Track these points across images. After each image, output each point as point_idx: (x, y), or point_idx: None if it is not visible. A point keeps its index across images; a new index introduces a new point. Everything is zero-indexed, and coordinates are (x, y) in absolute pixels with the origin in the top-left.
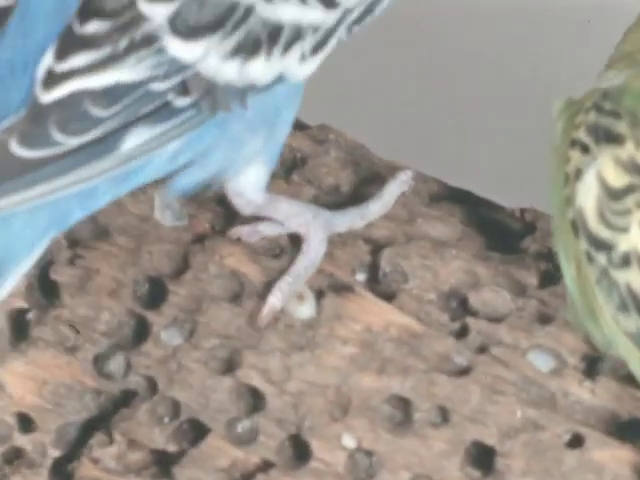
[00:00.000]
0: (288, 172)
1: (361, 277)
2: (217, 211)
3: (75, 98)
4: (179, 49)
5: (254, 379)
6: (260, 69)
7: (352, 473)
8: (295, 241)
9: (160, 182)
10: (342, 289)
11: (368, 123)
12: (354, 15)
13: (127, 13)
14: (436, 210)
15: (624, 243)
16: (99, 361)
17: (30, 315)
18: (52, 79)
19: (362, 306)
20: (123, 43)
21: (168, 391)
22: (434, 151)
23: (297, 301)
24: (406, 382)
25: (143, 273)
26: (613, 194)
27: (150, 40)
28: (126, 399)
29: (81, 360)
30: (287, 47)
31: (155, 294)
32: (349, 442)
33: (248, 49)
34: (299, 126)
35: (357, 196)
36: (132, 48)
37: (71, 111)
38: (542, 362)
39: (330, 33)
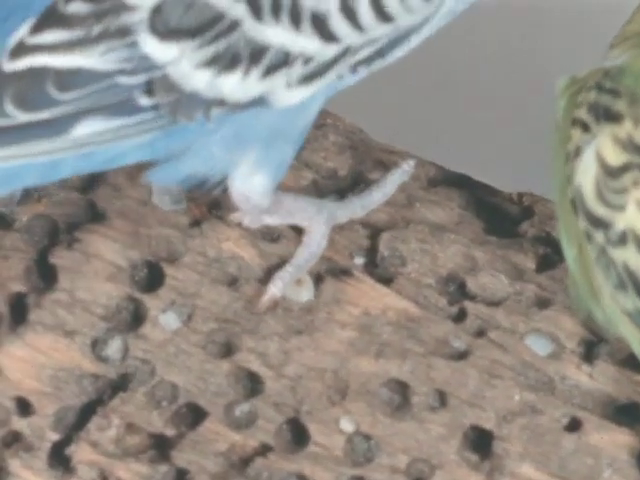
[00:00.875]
0: None
1: (359, 261)
2: (215, 195)
3: (36, 73)
4: (153, 47)
5: (252, 363)
6: (233, 86)
7: (350, 457)
8: (294, 226)
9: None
10: (340, 273)
11: (366, 107)
12: (361, 55)
13: (111, 0)
14: (434, 194)
15: (621, 221)
16: (97, 345)
17: (28, 299)
18: (20, 50)
19: (360, 290)
20: (97, 29)
21: (166, 375)
22: (432, 135)
23: (296, 285)
24: (404, 366)
25: (141, 257)
26: (611, 172)
27: (124, 32)
28: (124, 383)
29: (79, 344)
30: (270, 71)
31: (153, 278)
32: (347, 426)
33: (224, 63)
34: None
35: (355, 180)
36: (104, 36)
37: (29, 86)
38: (540, 346)
39: (327, 67)
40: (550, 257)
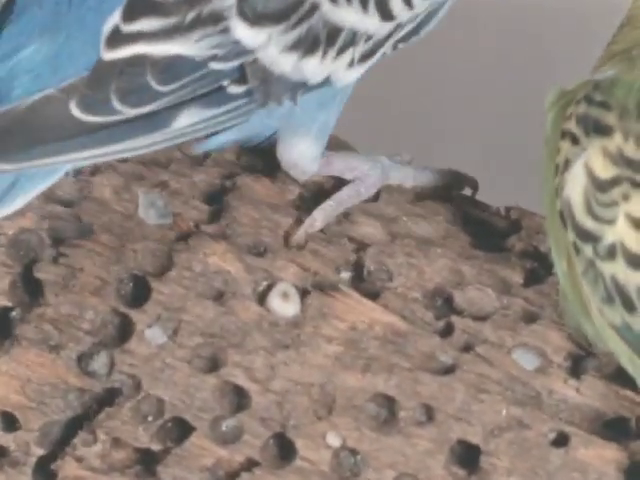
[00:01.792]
0: (273, 170)
1: (346, 275)
2: (201, 209)
3: (137, 64)
4: (244, 33)
5: (238, 378)
6: (314, 67)
7: (337, 472)
8: (280, 239)
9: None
10: (327, 287)
11: (353, 121)
12: (403, 32)
13: None
14: (421, 208)
15: (610, 235)
16: (83, 360)
17: (14, 313)
18: (117, 38)
19: (347, 304)
20: (190, 16)
21: (152, 389)
22: (419, 149)
23: (282, 299)
24: (391, 380)
25: (127, 271)
26: (600, 185)
27: (217, 18)
28: (110, 398)
29: (65, 359)
30: (341, 51)
31: (139, 292)
32: (334, 441)
33: (307, 45)
34: None
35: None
36: (198, 23)
37: (133, 80)
38: (527, 360)
39: (380, 44)
40: (537, 271)
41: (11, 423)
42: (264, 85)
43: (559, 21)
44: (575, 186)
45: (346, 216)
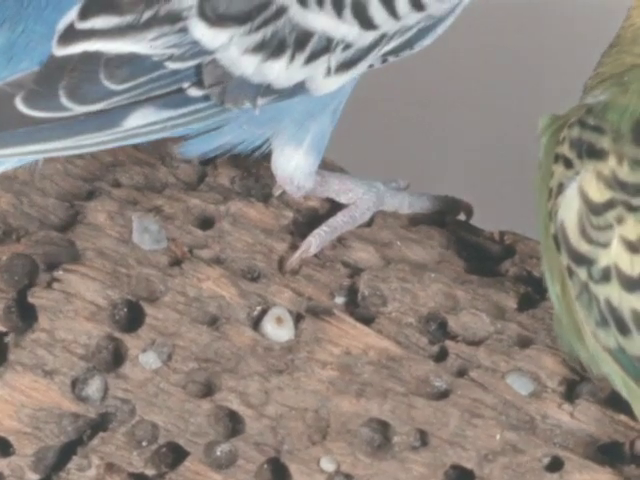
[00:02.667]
0: (267, 196)
1: (340, 300)
2: (196, 234)
3: (91, 61)
4: (203, 33)
5: (233, 403)
6: (279, 71)
7: None
8: (274, 264)
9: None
10: (321, 312)
11: (345, 145)
12: (391, 45)
13: None
14: (415, 233)
15: (604, 258)
16: (77, 385)
17: (8, 338)
18: (70, 35)
19: (341, 329)
20: (147, 15)
21: (146, 415)
22: (413, 174)
23: (276, 324)
24: (385, 405)
25: (121, 296)
26: (594, 209)
27: (175, 18)
28: (104, 423)
29: (59, 384)
30: (313, 57)
31: (133, 317)
32: (328, 466)
33: (271, 48)
34: None
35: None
36: (154, 22)
37: (84, 77)
38: (521, 385)
39: (362, 54)
40: (531, 296)
41: (6, 448)
42: (220, 86)
43: (553, 56)
44: (569, 209)
45: (340, 241)
